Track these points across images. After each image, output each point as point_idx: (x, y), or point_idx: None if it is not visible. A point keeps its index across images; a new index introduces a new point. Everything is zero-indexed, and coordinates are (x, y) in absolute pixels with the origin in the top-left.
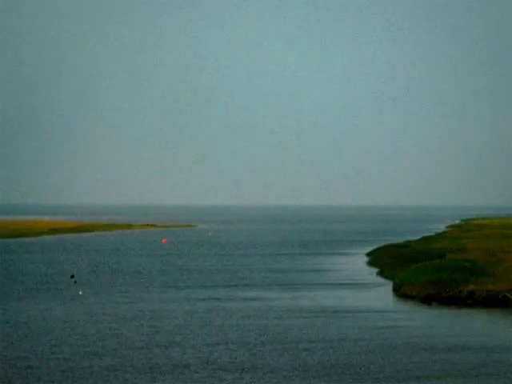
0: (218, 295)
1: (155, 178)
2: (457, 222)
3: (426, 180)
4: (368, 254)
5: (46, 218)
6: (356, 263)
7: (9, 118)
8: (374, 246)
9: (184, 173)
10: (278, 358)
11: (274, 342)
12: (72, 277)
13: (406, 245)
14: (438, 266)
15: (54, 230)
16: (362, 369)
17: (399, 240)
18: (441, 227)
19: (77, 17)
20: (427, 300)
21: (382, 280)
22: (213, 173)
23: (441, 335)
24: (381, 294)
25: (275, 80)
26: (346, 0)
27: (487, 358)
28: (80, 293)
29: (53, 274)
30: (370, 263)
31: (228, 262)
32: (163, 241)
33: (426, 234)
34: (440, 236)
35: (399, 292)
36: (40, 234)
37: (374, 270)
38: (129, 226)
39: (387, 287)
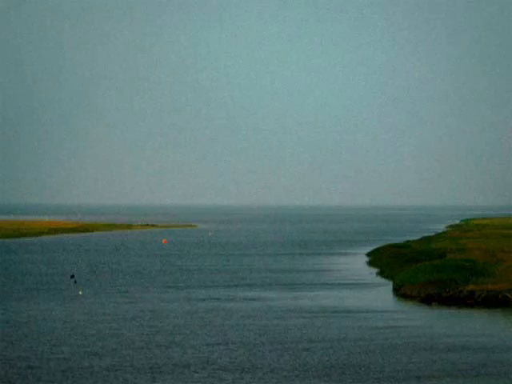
0: (217, 295)
1: (155, 178)
2: (457, 221)
3: (426, 180)
4: (368, 254)
5: (46, 218)
6: (356, 263)
7: (9, 118)
8: (374, 246)
9: (184, 173)
10: (278, 358)
11: (273, 342)
12: (72, 277)
13: (406, 245)
14: (438, 266)
15: (54, 230)
16: (362, 369)
17: (399, 240)
18: (441, 227)
19: (77, 17)
20: (427, 300)
21: (381, 280)
22: (213, 173)
23: (441, 335)
24: (381, 294)
25: (275, 80)
26: (346, 0)
27: (487, 358)
28: (80, 293)
29: (53, 274)
30: (370, 263)
31: (228, 262)
32: (163, 241)
33: (426, 234)
34: (440, 236)
35: (399, 292)
36: (40, 233)
37: (374, 270)
38: (129, 226)
39: (387, 287)
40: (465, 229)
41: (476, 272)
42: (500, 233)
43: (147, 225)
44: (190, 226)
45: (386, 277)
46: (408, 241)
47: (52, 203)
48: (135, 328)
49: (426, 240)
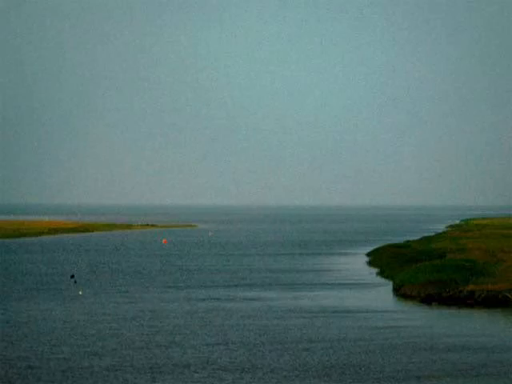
0: (217, 295)
1: (155, 178)
2: (457, 221)
3: (426, 180)
4: (368, 254)
5: (46, 218)
6: (356, 263)
7: (9, 118)
8: (374, 246)
9: (184, 173)
10: (278, 358)
11: (273, 342)
12: (72, 277)
13: (406, 245)
14: (438, 266)
15: (54, 230)
16: (362, 369)
17: (399, 240)
18: (441, 227)
19: (77, 17)
20: (427, 300)
21: (381, 280)
22: (213, 173)
23: (441, 335)
24: (381, 294)
25: (275, 80)
26: (346, 0)
27: (487, 358)
28: (80, 293)
29: (53, 274)
30: (370, 263)
31: (228, 262)
32: (163, 241)
33: (426, 234)
34: (440, 236)
35: (399, 292)
36: (40, 233)
37: (374, 270)
38: (129, 226)
39: (387, 287)
40: (465, 229)
41: (476, 272)
42: (500, 233)
43: (147, 225)
44: (190, 226)
45: (386, 277)
46: (408, 241)
47: (52, 203)
48: (135, 328)
49: (426, 240)
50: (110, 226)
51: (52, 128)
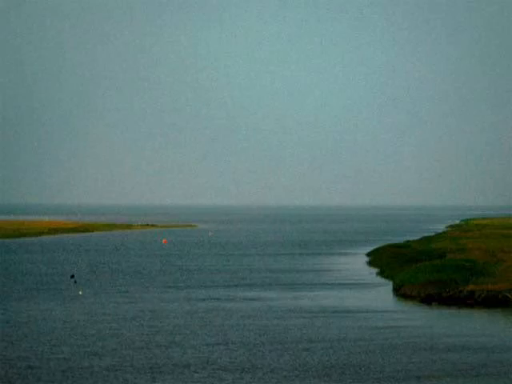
0: (217, 295)
1: (155, 178)
2: (457, 221)
3: (426, 180)
4: (368, 254)
5: (46, 218)
6: (356, 263)
7: (9, 118)
8: (374, 246)
9: (184, 173)
10: (278, 358)
11: (274, 342)
12: (72, 277)
13: (406, 245)
14: (438, 266)
15: (54, 230)
16: (362, 369)
17: (399, 240)
18: (441, 227)
19: (77, 17)
20: (427, 300)
21: (381, 280)
22: (213, 173)
23: (441, 335)
24: (381, 294)
25: (275, 80)
26: (346, 0)
27: (487, 358)
28: (80, 293)
29: (53, 274)
30: (370, 263)
31: (228, 262)
32: (163, 241)
33: (426, 234)
34: (440, 236)
35: (399, 292)
36: (40, 233)
37: (374, 270)
38: (129, 226)
39: (387, 287)
40: (465, 229)
41: (476, 272)
42: (500, 233)
43: (147, 225)
44: (190, 226)
45: (386, 277)
46: (408, 241)
47: (52, 203)
48: (135, 328)
49: (426, 240)
50: (110, 226)
51: (52, 128)
